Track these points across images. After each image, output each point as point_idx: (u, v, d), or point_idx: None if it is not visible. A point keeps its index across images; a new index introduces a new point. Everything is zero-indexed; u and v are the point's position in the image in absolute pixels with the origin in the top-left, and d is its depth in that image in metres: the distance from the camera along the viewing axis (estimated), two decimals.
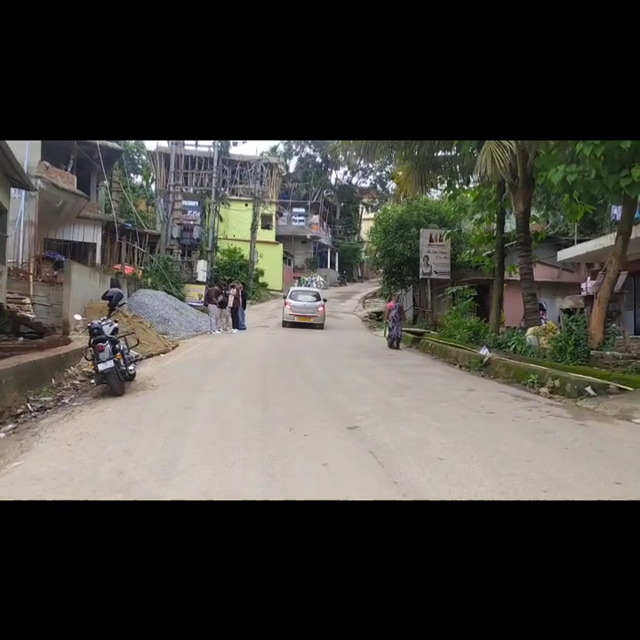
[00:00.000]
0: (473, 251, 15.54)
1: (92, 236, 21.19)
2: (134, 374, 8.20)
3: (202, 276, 23.11)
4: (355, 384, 8.15)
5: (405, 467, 4.09)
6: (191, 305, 20.55)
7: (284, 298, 20.37)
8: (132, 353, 9.50)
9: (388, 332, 14.81)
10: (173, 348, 12.77)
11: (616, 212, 18.31)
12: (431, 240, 17.65)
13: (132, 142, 38.52)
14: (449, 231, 16.32)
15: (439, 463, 4.18)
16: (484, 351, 10.99)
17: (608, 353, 9.00)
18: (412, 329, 17.20)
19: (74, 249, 20.99)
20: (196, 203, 34.54)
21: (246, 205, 35.02)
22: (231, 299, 17.32)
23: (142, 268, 21.32)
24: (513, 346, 11.35)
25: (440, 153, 13.84)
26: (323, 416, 5.90)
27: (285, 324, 19.13)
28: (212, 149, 32.00)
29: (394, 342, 14.25)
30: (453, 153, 13.39)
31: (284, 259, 41.32)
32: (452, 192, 14.47)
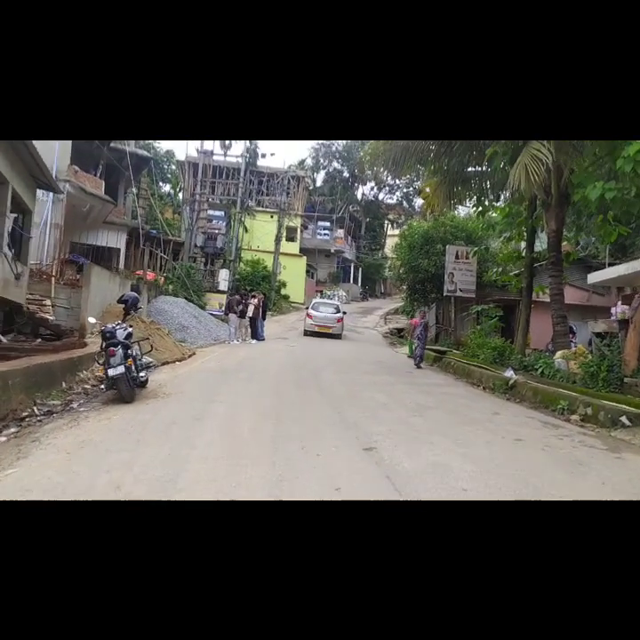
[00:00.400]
0: (500, 269, 15.08)
1: (118, 241, 21.30)
2: (146, 381, 7.98)
3: (223, 286, 23.02)
4: (373, 401, 7.80)
5: (426, 496, 3.74)
6: (211, 314, 20.44)
7: (307, 309, 21.41)
8: (146, 359, 9.30)
9: (416, 351, 14.08)
10: (190, 356, 12.57)
11: None
12: (457, 257, 17.22)
13: (162, 151, 39.16)
14: (476, 248, 15.86)
15: (463, 494, 3.81)
16: (509, 373, 10.54)
17: None
18: (434, 347, 16.77)
19: (98, 253, 21.09)
20: (222, 212, 34.67)
21: (272, 217, 35.08)
22: (251, 308, 17.11)
23: (164, 274, 21.30)
24: (540, 369, 10.87)
25: (470, 168, 13.50)
26: (338, 434, 5.57)
27: (306, 333, 20.20)
28: (240, 160, 32.19)
29: (417, 361, 13.71)
30: (484, 168, 13.03)
31: (307, 271, 41.20)
32: (480, 208, 14.07)
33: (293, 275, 37.40)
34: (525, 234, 13.57)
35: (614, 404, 7.39)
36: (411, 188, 48.83)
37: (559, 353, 11.07)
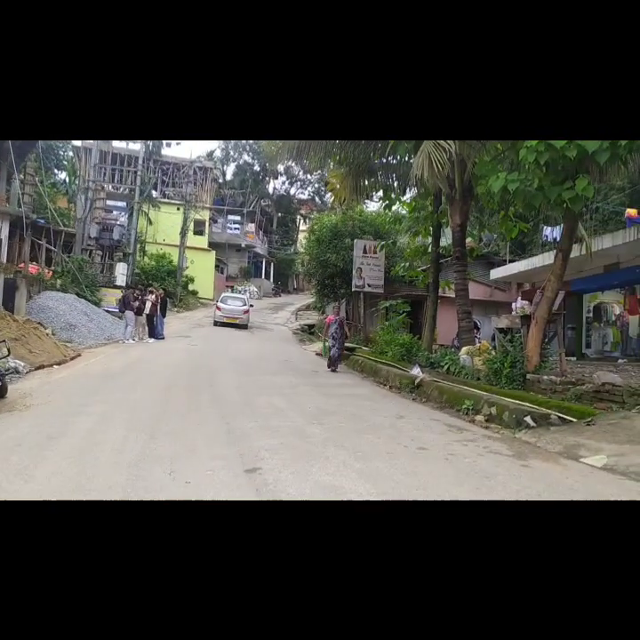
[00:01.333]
0: (407, 264, 14.89)
1: None
2: (3, 390, 6.78)
3: (121, 280, 21.27)
4: (270, 408, 7.07)
5: None
6: (107, 310, 18.82)
7: (217, 302, 23.33)
8: (11, 363, 8.07)
9: (328, 352, 12.53)
10: (73, 359, 11.24)
11: (547, 233, 18.43)
12: (365, 251, 16.86)
13: None
14: (383, 242, 15.57)
15: None
16: (416, 371, 10.23)
17: (545, 377, 8.40)
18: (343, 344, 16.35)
19: None
20: (124, 203, 32.49)
21: (178, 209, 33.39)
22: (149, 305, 15.79)
23: (52, 268, 19.33)
24: (446, 366, 10.66)
25: (376, 160, 13.10)
26: (219, 452, 4.78)
27: (216, 323, 21.84)
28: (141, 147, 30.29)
29: (332, 363, 12.21)
30: (390, 159, 12.70)
31: (217, 266, 39.75)
32: (387, 202, 13.76)
33: (202, 269, 35.87)
34: (431, 229, 13.43)
35: (518, 402, 7.16)
36: (322, 183, 48.56)
37: (464, 349, 10.93)
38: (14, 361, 9.48)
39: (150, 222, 32.04)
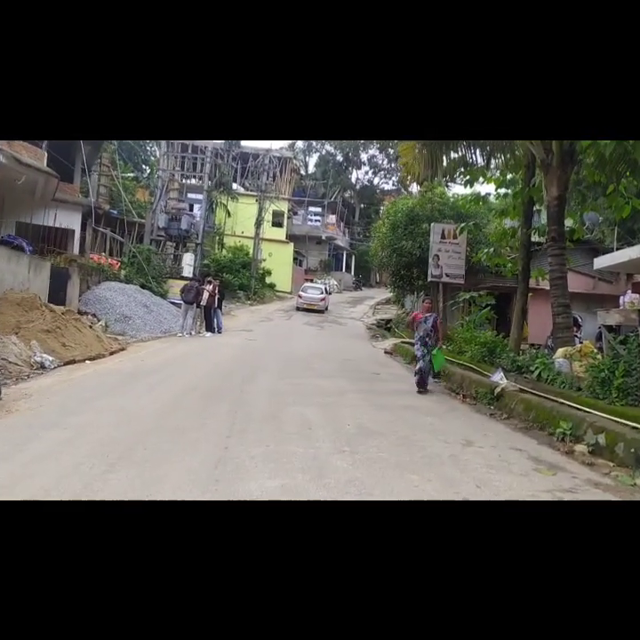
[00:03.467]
0: (491, 250, 12.78)
1: (72, 222, 19.02)
2: None
3: (187, 271, 20.64)
4: (297, 423, 5.53)
5: None
6: (173, 302, 18.19)
7: (299, 292, 26.76)
8: (36, 358, 7.18)
9: (418, 364, 8.57)
10: (113, 353, 10.35)
11: None
12: (443, 236, 14.81)
13: None
14: (463, 225, 13.48)
15: None
16: (497, 377, 8.33)
17: None
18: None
19: (51, 235, 18.86)
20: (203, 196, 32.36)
21: (256, 200, 32.75)
22: (206, 295, 14.76)
23: (120, 259, 19.01)
24: (537, 371, 8.61)
25: None
26: (193, 497, 3.32)
27: (298, 309, 24.93)
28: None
29: (421, 381, 8.40)
30: None
31: (295, 259, 38.83)
32: (468, 177, 11.76)
33: (280, 262, 35.09)
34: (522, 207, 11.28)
35: (637, 425, 5.18)
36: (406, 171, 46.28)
37: (560, 350, 8.83)
38: (41, 355, 8.68)
39: (228, 214, 31.62)
